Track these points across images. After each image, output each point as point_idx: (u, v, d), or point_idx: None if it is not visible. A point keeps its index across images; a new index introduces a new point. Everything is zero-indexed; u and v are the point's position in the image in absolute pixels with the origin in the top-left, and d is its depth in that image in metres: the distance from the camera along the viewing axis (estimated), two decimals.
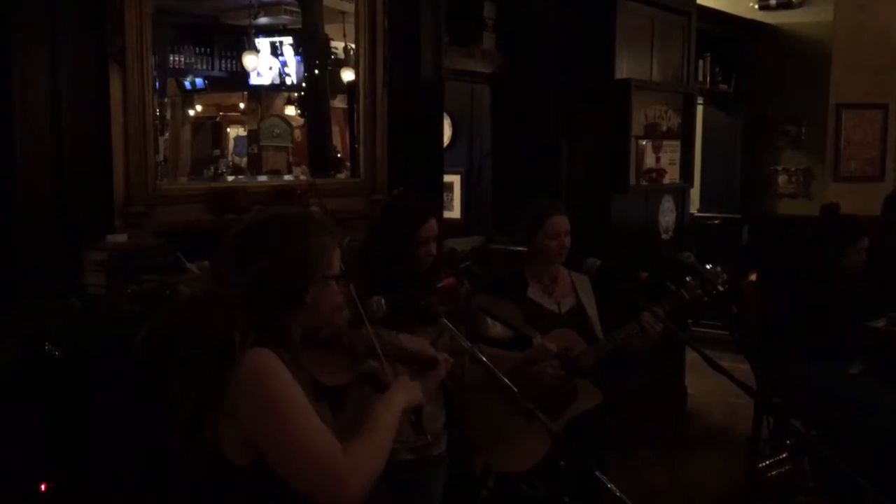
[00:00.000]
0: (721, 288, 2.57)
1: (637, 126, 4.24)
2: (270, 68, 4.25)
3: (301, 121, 4.26)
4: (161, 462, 1.67)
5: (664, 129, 4.45)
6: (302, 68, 4.22)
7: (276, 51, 4.25)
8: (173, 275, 2.58)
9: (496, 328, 2.16)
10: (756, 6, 6.25)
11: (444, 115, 4.03)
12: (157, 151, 2.93)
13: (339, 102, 4.08)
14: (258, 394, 1.32)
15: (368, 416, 1.48)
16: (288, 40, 4.21)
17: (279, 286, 1.41)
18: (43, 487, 2.25)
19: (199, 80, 4.25)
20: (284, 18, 4.23)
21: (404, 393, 1.54)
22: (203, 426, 1.32)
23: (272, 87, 4.34)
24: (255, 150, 4.17)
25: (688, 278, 2.57)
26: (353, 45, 3.58)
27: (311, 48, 4.03)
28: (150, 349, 1.37)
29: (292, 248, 1.44)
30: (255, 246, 1.43)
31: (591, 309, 2.70)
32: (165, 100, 3.59)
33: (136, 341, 1.38)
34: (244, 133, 4.40)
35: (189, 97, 4.20)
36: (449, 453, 2.31)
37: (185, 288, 1.42)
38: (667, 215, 4.55)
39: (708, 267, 2.59)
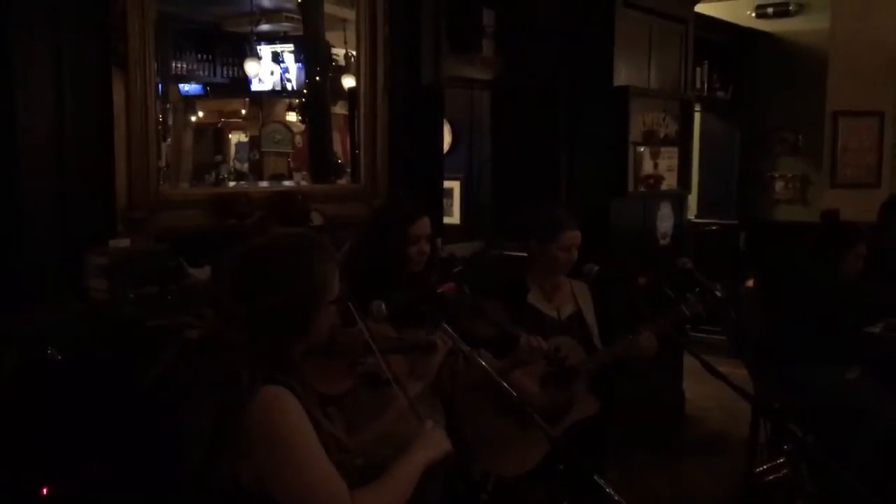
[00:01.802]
0: (718, 294, 2.58)
1: (635, 132, 4.26)
2: (272, 73, 4.27)
3: (302, 127, 4.28)
4: (168, 476, 1.68)
5: (662, 135, 4.47)
6: (303, 75, 4.24)
7: (277, 57, 4.27)
8: (174, 281, 2.59)
9: (482, 326, 2.17)
10: (753, 14, 6.29)
11: (444, 121, 4.04)
12: (159, 157, 2.94)
13: (339, 108, 4.10)
14: (269, 432, 1.30)
15: (388, 468, 1.45)
16: (289, 47, 4.24)
17: (287, 318, 1.39)
18: (44, 491, 2.25)
19: (197, 87, 4.27)
20: (286, 25, 4.25)
21: (427, 449, 1.51)
22: (219, 463, 1.31)
23: (273, 93, 4.36)
24: (257, 156, 4.20)
25: (688, 295, 2.58)
26: (354, 52, 3.60)
27: (313, 55, 4.05)
28: (159, 393, 1.37)
29: (299, 281, 1.41)
30: (260, 280, 1.40)
31: (590, 317, 2.72)
32: (167, 106, 3.61)
33: (145, 385, 1.38)
34: (245, 139, 4.42)
35: (191, 103, 4.22)
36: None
37: (192, 332, 1.40)
38: (664, 221, 4.57)
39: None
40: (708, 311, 2.60)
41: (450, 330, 1.87)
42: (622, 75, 4.21)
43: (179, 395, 1.36)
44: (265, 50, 4.24)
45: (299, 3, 4.02)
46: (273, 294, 1.37)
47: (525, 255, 2.72)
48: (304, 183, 3.75)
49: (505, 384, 1.80)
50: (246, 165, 4.22)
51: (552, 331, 2.60)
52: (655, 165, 4.42)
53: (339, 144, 4.09)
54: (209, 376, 1.34)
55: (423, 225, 2.25)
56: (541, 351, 2.35)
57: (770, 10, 6.21)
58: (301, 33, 4.12)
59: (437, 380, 2.11)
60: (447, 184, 4.16)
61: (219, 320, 1.40)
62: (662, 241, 4.55)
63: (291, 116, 4.42)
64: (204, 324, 1.43)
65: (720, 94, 6.22)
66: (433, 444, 1.53)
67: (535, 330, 2.48)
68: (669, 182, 4.55)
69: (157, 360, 1.39)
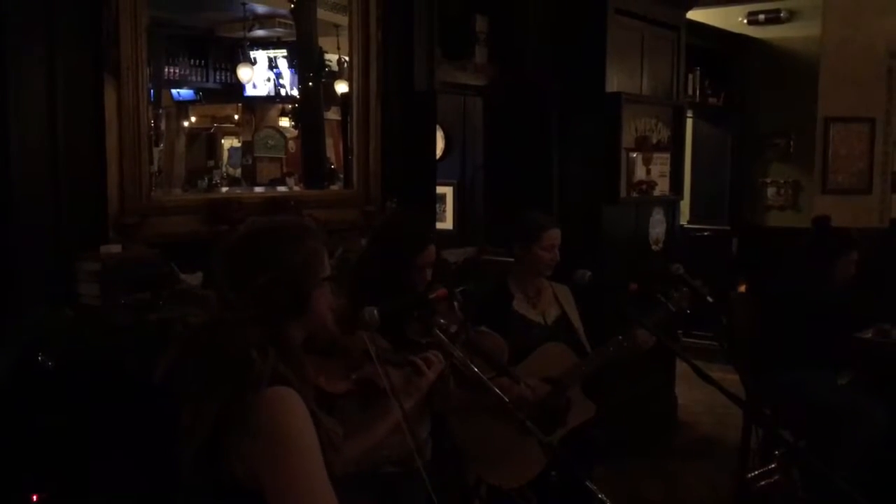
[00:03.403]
0: (710, 299, 2.60)
1: (627, 138, 4.29)
2: (268, 80, 4.29)
3: (295, 132, 4.29)
4: (163, 478, 1.67)
5: (654, 141, 4.50)
6: (296, 80, 4.25)
7: (270, 63, 4.29)
8: (165, 287, 2.59)
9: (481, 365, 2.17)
10: (745, 21, 6.33)
11: (437, 127, 4.06)
12: (151, 162, 2.94)
13: (332, 114, 4.11)
14: (273, 431, 1.29)
15: None
16: (282, 53, 4.25)
17: (285, 297, 1.40)
18: (35, 498, 2.25)
19: (189, 93, 4.28)
20: (279, 31, 4.26)
21: None
22: (219, 452, 1.29)
23: (267, 98, 4.38)
24: (250, 161, 4.21)
25: (674, 292, 2.60)
26: (347, 58, 3.61)
27: (305, 60, 4.06)
28: (167, 385, 1.35)
29: (292, 257, 1.42)
30: (252, 262, 1.41)
31: (576, 319, 2.73)
32: (160, 111, 3.61)
33: (153, 379, 1.35)
34: (238, 144, 4.43)
35: (184, 108, 4.22)
36: (438, 463, 2.31)
37: (194, 319, 1.39)
38: (657, 227, 4.59)
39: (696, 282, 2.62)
40: (694, 309, 2.61)
41: (442, 336, 1.88)
42: (614, 81, 4.23)
43: (181, 382, 1.33)
44: (259, 55, 4.25)
45: (292, 9, 4.03)
46: (265, 271, 1.39)
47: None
48: (297, 188, 3.75)
49: (497, 391, 1.80)
50: (239, 171, 4.23)
51: (540, 336, 2.60)
52: (648, 171, 4.44)
53: (332, 150, 4.09)
54: (217, 363, 1.32)
55: (429, 254, 2.23)
56: (538, 398, 2.40)
57: (761, 16, 6.25)
58: (294, 39, 4.13)
59: (428, 397, 2.10)
60: (440, 189, 4.17)
61: (220, 307, 1.40)
62: (655, 247, 4.58)
63: (284, 122, 4.43)
64: (206, 313, 1.41)
65: (712, 100, 6.26)
66: None
67: (523, 337, 2.49)
68: (662, 188, 4.58)
69: (165, 352, 1.36)
